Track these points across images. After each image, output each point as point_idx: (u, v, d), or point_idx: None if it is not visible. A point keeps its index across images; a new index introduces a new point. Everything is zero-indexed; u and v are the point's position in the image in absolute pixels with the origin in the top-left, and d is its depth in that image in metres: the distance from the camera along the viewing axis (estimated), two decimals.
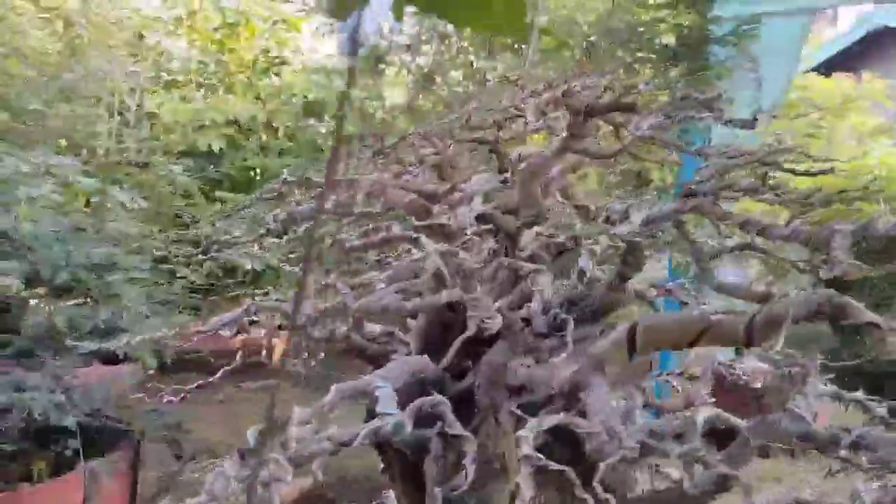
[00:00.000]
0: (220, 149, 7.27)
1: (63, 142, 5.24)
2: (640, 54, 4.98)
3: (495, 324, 1.36)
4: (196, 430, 4.26)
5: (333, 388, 1.26)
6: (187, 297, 4.42)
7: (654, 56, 4.57)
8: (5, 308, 3.70)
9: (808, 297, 1.18)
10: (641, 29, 4.34)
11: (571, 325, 1.41)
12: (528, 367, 1.40)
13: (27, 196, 3.19)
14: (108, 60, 6.20)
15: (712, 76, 4.64)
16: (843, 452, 1.60)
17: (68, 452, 3.43)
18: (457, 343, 1.30)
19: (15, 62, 4.85)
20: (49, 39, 5.09)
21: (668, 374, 2.10)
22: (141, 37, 7.83)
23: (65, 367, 3.48)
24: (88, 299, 3.58)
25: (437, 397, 1.18)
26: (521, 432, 1.13)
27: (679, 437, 1.97)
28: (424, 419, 1.45)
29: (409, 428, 1.09)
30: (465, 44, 5.75)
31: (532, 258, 1.56)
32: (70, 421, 3.39)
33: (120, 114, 6.68)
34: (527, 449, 1.08)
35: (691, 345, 1.24)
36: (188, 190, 5.49)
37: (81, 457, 3.47)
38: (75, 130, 4.53)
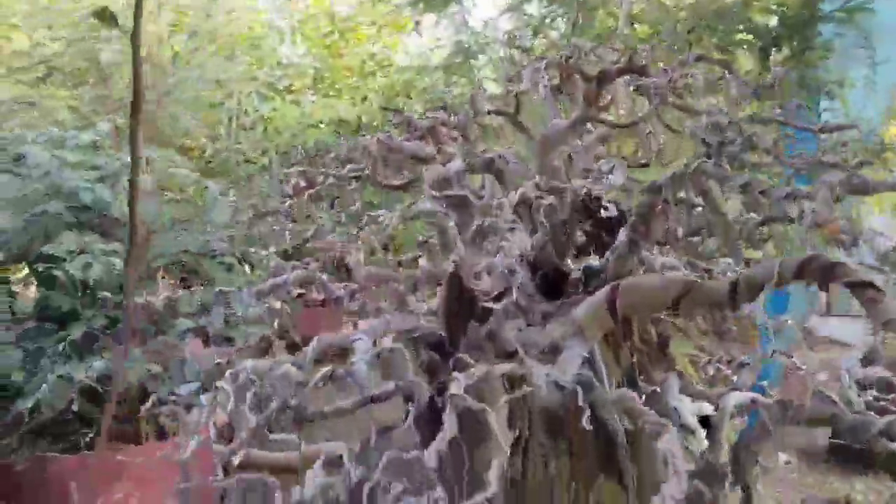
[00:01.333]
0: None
1: (187, 141, 5.72)
2: (739, 36, 4.72)
3: (484, 285, 1.37)
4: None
5: (315, 339, 1.32)
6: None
7: (751, 38, 4.31)
8: (117, 289, 4.09)
9: (796, 259, 1.09)
10: (735, 10, 4.10)
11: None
12: (520, 330, 1.39)
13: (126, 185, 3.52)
14: (225, 70, 6.69)
15: (818, 57, 4.30)
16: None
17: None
18: (441, 301, 1.32)
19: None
20: (167, 49, 5.57)
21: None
22: (257, 46, 8.37)
23: (163, 343, 3.80)
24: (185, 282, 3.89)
25: (396, 345, 1.21)
26: (455, 374, 1.13)
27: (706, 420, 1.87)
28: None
29: (364, 374, 1.12)
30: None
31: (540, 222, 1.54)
32: (165, 390, 3.70)
33: (238, 117, 7.19)
34: (455, 389, 1.07)
35: (673, 307, 1.19)
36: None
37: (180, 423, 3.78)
38: (185, 132, 4.94)
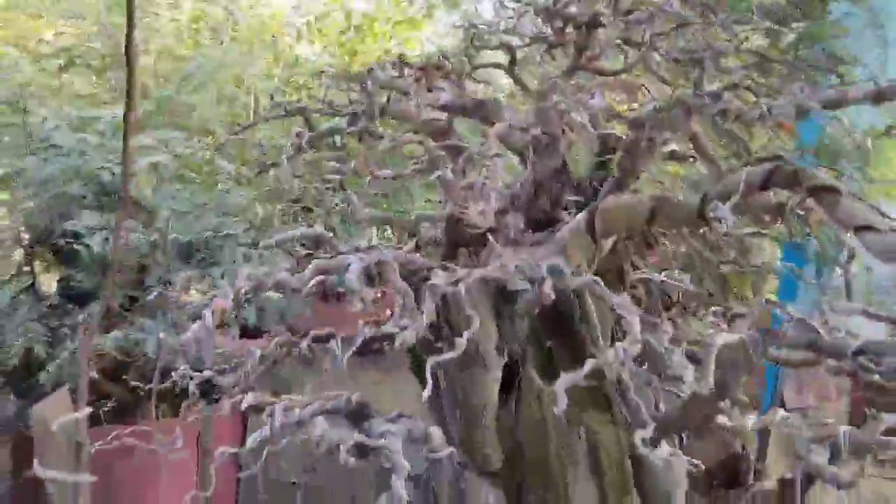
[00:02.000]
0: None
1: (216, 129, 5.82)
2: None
3: (475, 218, 1.43)
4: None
5: (313, 262, 1.39)
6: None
7: (751, 16, 4.30)
8: (142, 266, 4.21)
9: (760, 167, 1.14)
10: None
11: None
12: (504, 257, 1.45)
13: (148, 163, 3.65)
14: (243, 66, 6.82)
15: (828, 34, 4.29)
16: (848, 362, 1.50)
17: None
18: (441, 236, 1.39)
19: (164, 63, 5.52)
20: (189, 44, 5.71)
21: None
22: (272, 44, 8.49)
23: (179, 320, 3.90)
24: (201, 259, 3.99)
25: (385, 258, 1.28)
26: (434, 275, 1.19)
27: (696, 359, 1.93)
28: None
29: (355, 283, 1.19)
30: None
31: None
32: (183, 366, 3.80)
33: (255, 111, 7.32)
34: (434, 280, 1.14)
35: (648, 224, 1.24)
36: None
37: (196, 400, 3.88)
38: (205, 119, 5.07)
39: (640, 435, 1.81)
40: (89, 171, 3.97)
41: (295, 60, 9.06)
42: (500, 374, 1.58)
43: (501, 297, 1.45)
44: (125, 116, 3.31)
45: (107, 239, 3.60)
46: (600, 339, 1.70)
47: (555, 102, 1.49)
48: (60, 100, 4.41)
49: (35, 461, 0.97)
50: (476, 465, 1.68)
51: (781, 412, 1.61)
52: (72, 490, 2.92)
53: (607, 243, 1.48)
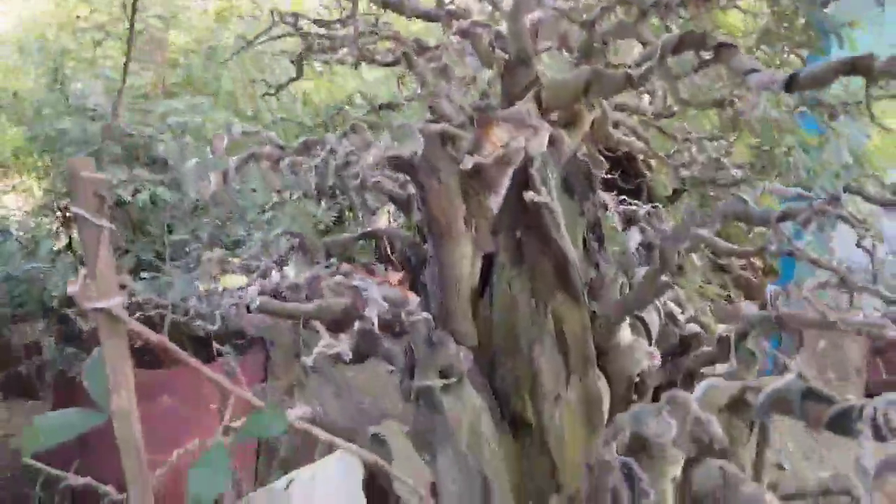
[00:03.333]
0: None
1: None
2: None
3: (447, 109, 1.65)
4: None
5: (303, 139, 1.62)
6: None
7: None
8: (165, 227, 4.50)
9: (674, 35, 1.34)
10: None
11: None
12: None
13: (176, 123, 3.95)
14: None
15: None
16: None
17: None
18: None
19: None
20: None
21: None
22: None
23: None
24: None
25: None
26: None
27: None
28: None
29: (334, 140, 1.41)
30: None
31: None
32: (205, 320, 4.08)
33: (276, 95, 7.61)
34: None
35: (584, 93, 1.44)
36: None
37: (221, 353, 4.15)
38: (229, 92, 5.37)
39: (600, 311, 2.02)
40: (120, 132, 4.28)
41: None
42: (470, 250, 1.79)
43: (468, 176, 1.67)
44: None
45: (137, 190, 3.90)
46: (562, 226, 1.90)
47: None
48: (95, 69, 4.74)
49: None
50: (455, 340, 1.89)
51: None
52: None
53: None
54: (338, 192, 2.27)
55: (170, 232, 4.51)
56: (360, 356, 2.10)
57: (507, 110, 1.51)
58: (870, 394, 5.54)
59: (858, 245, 1.64)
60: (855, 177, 4.74)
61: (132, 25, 4.01)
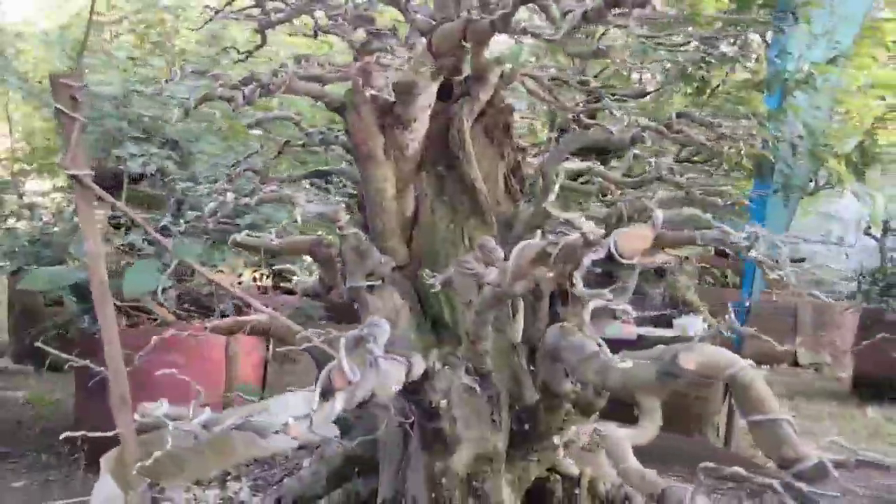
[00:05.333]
0: None
1: None
2: None
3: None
4: None
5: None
6: None
7: None
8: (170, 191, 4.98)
9: None
10: None
11: None
12: None
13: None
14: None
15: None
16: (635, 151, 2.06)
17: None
18: None
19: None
20: None
21: None
22: None
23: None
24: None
25: None
26: None
27: None
28: None
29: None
30: None
31: None
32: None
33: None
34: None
35: (462, 38, 1.83)
36: None
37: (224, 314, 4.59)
38: None
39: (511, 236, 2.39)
40: (133, 114, 4.78)
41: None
42: (391, 174, 2.19)
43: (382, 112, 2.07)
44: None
45: (146, 162, 4.38)
46: (474, 160, 2.30)
47: None
48: (111, 57, 5.26)
49: None
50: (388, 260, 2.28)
51: None
52: None
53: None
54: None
55: (178, 207, 4.98)
56: (326, 287, 2.51)
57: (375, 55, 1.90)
58: (860, 371, 5.90)
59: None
60: (810, 147, 5.06)
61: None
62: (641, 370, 1.39)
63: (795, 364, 8.47)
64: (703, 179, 2.74)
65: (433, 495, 1.76)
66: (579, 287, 1.27)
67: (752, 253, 1.58)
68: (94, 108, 4.70)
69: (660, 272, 5.96)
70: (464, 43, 1.85)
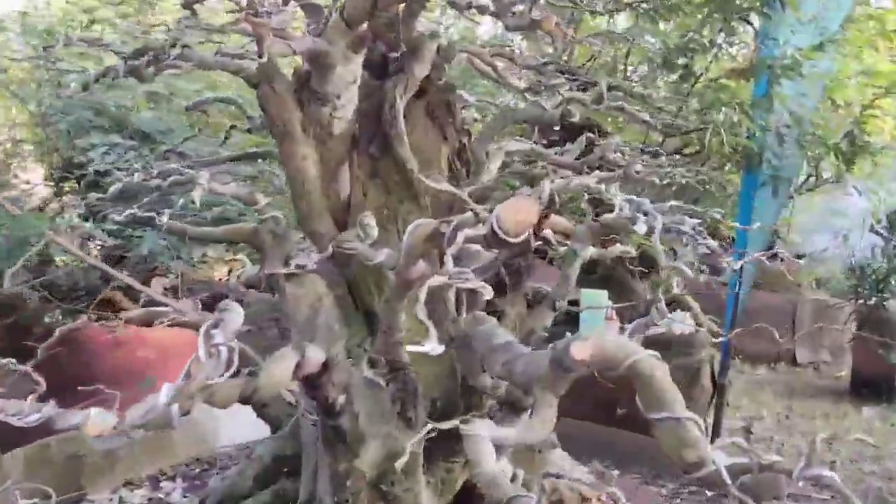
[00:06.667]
0: None
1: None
2: None
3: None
4: None
5: None
6: None
7: None
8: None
9: None
10: None
11: None
12: None
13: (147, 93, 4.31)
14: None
15: None
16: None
17: None
18: None
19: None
20: None
21: None
22: None
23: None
24: None
25: None
26: None
27: None
28: None
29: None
30: None
31: None
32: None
33: None
34: None
35: (374, 6, 1.69)
36: None
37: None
38: None
39: None
40: (102, 105, 4.68)
41: None
42: (312, 152, 2.05)
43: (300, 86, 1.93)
44: None
45: (107, 152, 4.28)
46: (405, 139, 2.16)
47: None
48: (82, 49, 5.16)
49: None
50: (314, 241, 2.14)
51: None
52: None
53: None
54: None
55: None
56: (266, 276, 2.38)
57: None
58: (857, 369, 5.67)
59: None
60: (797, 136, 4.88)
61: None
62: (538, 361, 1.25)
63: (794, 363, 8.29)
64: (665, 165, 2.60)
65: (336, 499, 1.62)
66: (448, 265, 1.13)
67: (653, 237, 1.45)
68: (61, 98, 4.60)
69: (647, 267, 5.80)
70: (377, 12, 1.71)
